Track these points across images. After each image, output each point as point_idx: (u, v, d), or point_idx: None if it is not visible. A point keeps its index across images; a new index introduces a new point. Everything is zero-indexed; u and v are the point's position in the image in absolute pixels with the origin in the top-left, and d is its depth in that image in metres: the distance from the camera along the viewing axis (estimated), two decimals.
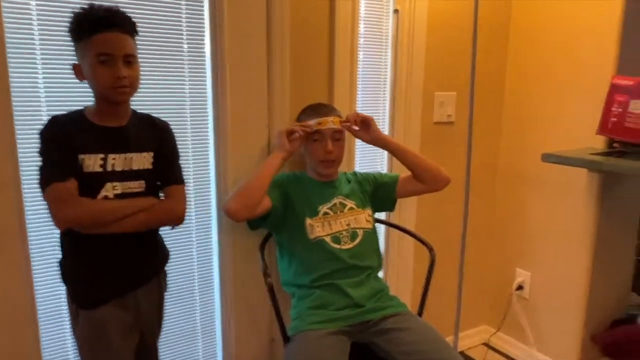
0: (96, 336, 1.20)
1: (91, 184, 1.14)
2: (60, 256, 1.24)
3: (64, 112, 1.18)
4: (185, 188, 1.33)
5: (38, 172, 1.13)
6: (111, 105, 1.17)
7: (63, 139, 1.12)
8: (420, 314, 1.59)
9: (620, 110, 1.68)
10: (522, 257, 2.24)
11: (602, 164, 1.65)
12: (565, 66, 1.97)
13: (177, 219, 1.28)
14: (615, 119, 1.70)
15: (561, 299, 2.08)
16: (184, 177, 1.34)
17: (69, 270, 1.22)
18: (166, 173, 1.28)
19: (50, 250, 1.36)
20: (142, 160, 1.23)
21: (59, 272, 1.24)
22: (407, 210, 1.99)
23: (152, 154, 1.24)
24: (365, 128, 1.56)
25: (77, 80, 1.16)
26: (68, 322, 1.41)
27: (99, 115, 1.18)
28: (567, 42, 1.95)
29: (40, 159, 1.13)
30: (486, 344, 2.39)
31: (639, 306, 2.26)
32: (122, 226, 1.17)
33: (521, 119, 2.17)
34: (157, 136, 1.27)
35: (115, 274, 1.22)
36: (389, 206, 1.69)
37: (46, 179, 1.11)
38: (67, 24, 1.13)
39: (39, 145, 1.13)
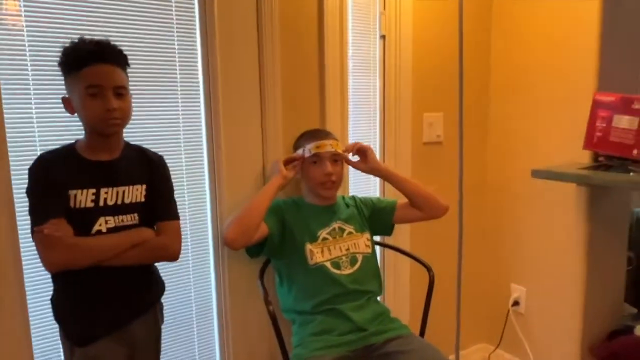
0: None
1: (83, 220, 1.13)
2: (52, 294, 1.21)
3: (54, 148, 1.17)
4: (181, 221, 1.30)
5: (28, 213, 1.11)
6: (102, 137, 1.16)
7: (49, 177, 1.11)
8: (422, 334, 1.59)
9: (604, 125, 1.72)
10: (517, 273, 2.25)
11: (591, 178, 1.69)
12: (547, 83, 2.03)
13: (171, 257, 1.26)
14: (600, 134, 1.75)
15: (557, 312, 2.10)
16: (179, 208, 1.32)
17: (61, 307, 1.19)
18: (160, 208, 1.26)
19: (46, 288, 1.33)
20: (135, 193, 1.21)
21: (51, 310, 1.20)
22: (401, 231, 2.00)
23: (144, 186, 1.23)
24: (363, 158, 1.59)
25: (69, 114, 1.16)
26: None
27: (90, 148, 1.17)
28: (548, 60, 2.01)
29: (27, 196, 1.12)
30: None
31: (634, 316, 2.29)
32: (116, 262, 1.15)
33: (506, 136, 2.22)
34: (150, 169, 1.26)
35: (109, 308, 1.19)
36: (386, 231, 1.70)
37: (32, 221, 1.09)
38: (58, 58, 1.13)
39: (28, 184, 1.12)
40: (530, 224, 2.17)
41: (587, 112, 1.79)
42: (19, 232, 1.25)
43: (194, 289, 1.60)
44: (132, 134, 1.39)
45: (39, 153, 1.17)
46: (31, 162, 1.13)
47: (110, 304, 1.19)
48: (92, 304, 1.17)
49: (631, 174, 1.64)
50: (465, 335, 2.31)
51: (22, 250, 1.26)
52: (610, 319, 2.17)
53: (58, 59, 1.13)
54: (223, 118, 1.54)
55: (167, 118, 1.48)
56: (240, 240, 1.41)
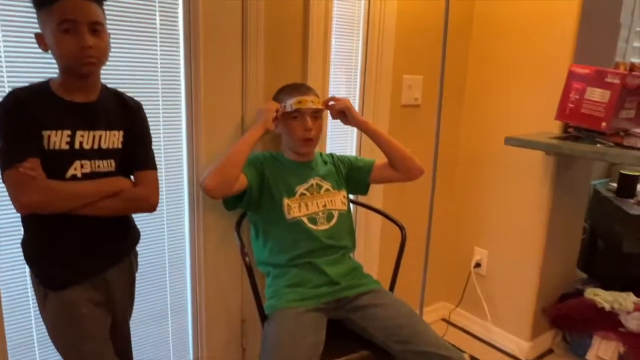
0: (68, 318, 1.15)
1: (57, 163, 1.08)
2: (22, 238, 1.16)
3: (27, 85, 1.09)
4: (158, 172, 1.27)
5: None
6: (77, 78, 1.10)
7: (23, 114, 1.04)
8: (391, 289, 1.64)
9: (578, 97, 1.78)
10: (480, 237, 2.35)
11: (561, 147, 1.75)
12: (525, 54, 2.06)
13: (149, 208, 1.22)
14: (572, 105, 1.80)
15: (516, 275, 2.21)
16: (155, 154, 1.28)
17: (35, 252, 1.15)
18: (137, 156, 1.22)
19: (15, 231, 1.29)
20: (112, 139, 1.17)
21: (22, 253, 1.16)
22: (375, 191, 2.03)
23: (122, 132, 1.19)
24: (344, 119, 1.59)
25: (41, 51, 1.09)
26: (32, 306, 1.36)
27: (65, 88, 1.10)
28: (528, 31, 2.04)
29: None
30: (445, 320, 2.50)
31: (584, 281, 2.44)
32: (90, 211, 1.11)
33: (482, 104, 2.26)
34: (128, 115, 1.21)
35: (84, 255, 1.16)
36: (362, 190, 1.72)
37: (5, 161, 1.03)
38: None
39: None
40: (497, 190, 2.24)
41: (562, 85, 1.84)
42: None
43: (167, 239, 1.59)
44: (108, 76, 1.33)
45: (7, 91, 1.09)
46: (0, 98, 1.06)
47: (86, 251, 1.17)
48: (67, 250, 1.14)
49: (598, 145, 1.71)
50: (428, 294, 2.40)
51: None
52: (564, 283, 2.31)
53: None
54: (203, 65, 1.49)
55: (145, 61, 1.42)
56: (219, 189, 1.39)
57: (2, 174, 1.04)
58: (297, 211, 1.50)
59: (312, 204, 1.53)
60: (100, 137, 1.14)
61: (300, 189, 1.54)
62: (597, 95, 1.73)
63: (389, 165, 1.62)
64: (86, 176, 1.12)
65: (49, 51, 1.08)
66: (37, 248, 1.15)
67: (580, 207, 2.30)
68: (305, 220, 1.50)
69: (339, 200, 1.59)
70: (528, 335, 2.20)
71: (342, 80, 1.91)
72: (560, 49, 1.93)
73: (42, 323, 1.18)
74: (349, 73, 1.93)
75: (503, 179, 2.21)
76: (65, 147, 1.09)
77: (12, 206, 1.04)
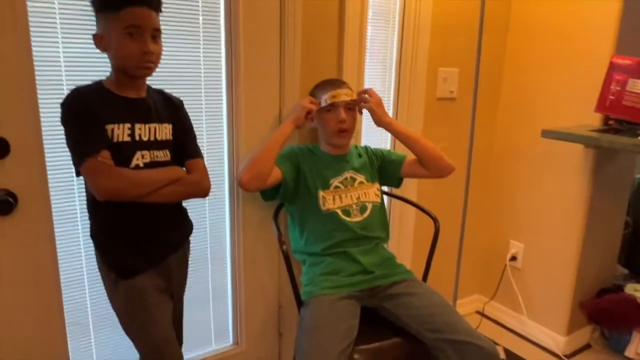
0: (139, 304, 1.24)
1: (122, 154, 1.16)
2: (91, 229, 1.25)
3: (84, 84, 1.18)
4: None
5: (69, 145, 1.14)
6: (130, 78, 1.19)
7: (90, 110, 1.12)
8: (424, 280, 1.67)
9: (619, 88, 1.74)
10: (516, 230, 2.33)
11: (600, 140, 1.73)
12: (564, 45, 2.03)
13: (204, 192, 1.33)
14: (613, 97, 1.77)
15: (552, 270, 2.19)
16: (200, 147, 1.37)
17: (108, 241, 1.23)
18: (187, 147, 1.32)
19: (72, 218, 1.40)
20: (164, 131, 1.26)
21: (93, 245, 1.25)
22: (409, 183, 2.06)
23: (170, 126, 1.28)
24: (371, 112, 1.62)
25: (97, 51, 1.17)
26: (87, 287, 1.47)
27: (118, 86, 1.19)
28: (568, 22, 2.00)
29: (66, 130, 1.13)
30: (480, 312, 2.50)
31: (624, 277, 2.39)
32: (155, 197, 1.20)
33: (519, 96, 2.24)
34: (174, 110, 1.30)
35: (152, 243, 1.26)
36: (395, 183, 1.75)
37: (81, 153, 1.11)
38: None
39: (63, 116, 1.13)
40: (534, 183, 2.22)
41: (602, 76, 1.81)
42: (48, 168, 1.30)
43: (209, 228, 1.67)
44: (155, 73, 1.41)
45: (66, 92, 1.18)
46: (59, 96, 1.15)
47: (153, 239, 1.26)
48: (136, 239, 1.23)
49: (639, 138, 1.68)
50: (462, 286, 2.42)
51: (49, 180, 1.31)
52: (602, 278, 2.27)
53: None
54: (243, 62, 1.56)
55: (189, 60, 1.50)
56: (253, 183, 1.47)
57: (79, 165, 1.12)
58: (332, 203, 1.55)
59: (346, 197, 1.58)
60: (155, 129, 1.23)
61: (335, 181, 1.58)
62: (639, 87, 1.69)
63: (419, 163, 1.64)
64: (147, 165, 1.21)
65: (106, 51, 1.16)
66: (109, 237, 1.23)
67: (621, 201, 2.24)
68: (339, 212, 1.55)
69: (372, 192, 1.63)
70: (564, 330, 2.18)
71: (377, 73, 1.94)
72: (601, 39, 1.89)
73: (97, 304, 1.27)
74: (384, 66, 1.95)
75: (540, 172, 2.19)
76: (127, 139, 1.18)
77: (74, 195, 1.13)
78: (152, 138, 1.22)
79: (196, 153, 1.33)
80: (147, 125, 1.21)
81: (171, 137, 1.28)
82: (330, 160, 1.61)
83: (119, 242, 1.23)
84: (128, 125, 1.18)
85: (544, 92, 2.13)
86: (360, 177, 1.63)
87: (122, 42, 1.12)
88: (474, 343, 1.30)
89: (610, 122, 1.91)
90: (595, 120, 1.94)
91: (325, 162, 1.61)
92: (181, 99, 1.36)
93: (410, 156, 1.68)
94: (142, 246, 1.24)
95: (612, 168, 2.08)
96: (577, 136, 1.80)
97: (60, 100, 1.13)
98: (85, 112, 1.12)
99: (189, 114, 1.40)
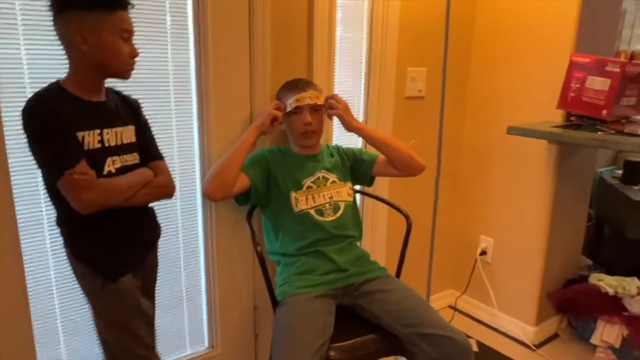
0: (128, 303, 1.23)
1: (94, 161, 1.14)
2: (68, 235, 1.22)
3: (44, 88, 1.12)
4: (170, 162, 1.37)
5: (43, 159, 1.10)
6: (99, 79, 1.17)
7: (60, 118, 1.08)
8: (398, 277, 1.70)
9: (578, 85, 1.81)
10: (486, 225, 2.39)
11: (562, 136, 1.79)
12: (527, 44, 2.09)
13: (170, 194, 1.33)
14: (573, 94, 1.84)
15: (521, 263, 2.26)
16: (169, 149, 1.38)
17: (87, 247, 1.20)
18: (149, 149, 1.31)
19: (39, 234, 1.37)
20: (129, 134, 1.24)
21: (70, 251, 1.21)
22: (380, 181, 2.08)
23: (134, 127, 1.26)
24: (340, 120, 1.63)
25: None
26: (55, 294, 1.44)
27: (83, 88, 1.15)
28: (530, 21, 2.07)
29: (35, 142, 1.08)
30: (452, 307, 2.55)
31: (589, 267, 2.48)
32: (133, 202, 1.20)
33: (485, 94, 2.30)
34: (133, 111, 1.29)
35: (132, 245, 1.27)
36: (366, 182, 1.77)
37: (58, 167, 1.08)
38: None
39: (29, 126, 1.07)
40: (501, 179, 2.28)
41: (563, 75, 1.88)
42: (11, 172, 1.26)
43: (181, 230, 1.66)
44: None
45: (28, 95, 1.12)
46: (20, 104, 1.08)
47: (133, 241, 1.27)
48: (116, 241, 1.22)
49: (599, 133, 1.75)
50: (435, 281, 2.46)
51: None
52: (568, 269, 2.35)
53: None
54: (212, 63, 1.55)
55: (156, 61, 1.48)
56: (218, 193, 1.48)
57: (57, 179, 1.09)
58: (305, 204, 1.56)
59: (318, 197, 1.59)
60: (122, 132, 1.21)
61: (307, 182, 1.59)
62: (597, 83, 1.76)
63: (389, 163, 1.66)
64: (118, 171, 1.19)
65: (86, 50, 1.10)
66: (88, 244, 1.20)
67: (584, 194, 2.33)
68: (312, 212, 1.56)
69: (345, 192, 1.64)
70: (533, 321, 2.25)
71: (348, 74, 1.96)
72: (562, 38, 1.96)
73: (66, 310, 1.25)
74: (354, 66, 1.97)
75: (507, 168, 2.25)
76: (98, 145, 1.15)
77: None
78: (119, 142, 1.20)
79: (158, 155, 1.33)
80: (113, 130, 1.19)
81: (135, 139, 1.26)
82: (302, 161, 1.62)
83: (98, 246, 1.20)
84: (97, 131, 1.15)
85: (509, 90, 2.19)
86: (332, 177, 1.64)
87: (116, 43, 1.12)
88: (447, 336, 1.33)
89: (572, 118, 1.99)
90: (558, 116, 2.01)
91: (296, 162, 1.61)
92: (149, 99, 1.34)
93: (382, 156, 1.70)
94: (122, 248, 1.24)
95: (574, 163, 2.16)
96: (541, 132, 1.86)
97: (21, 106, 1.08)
98: (55, 122, 1.08)
99: (159, 115, 1.38)
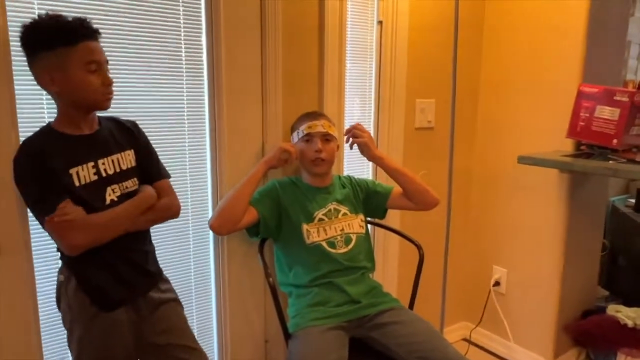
0: (115, 336, 1.20)
1: (94, 194, 1.14)
2: (66, 259, 1.20)
3: (33, 133, 1.13)
4: (182, 193, 1.38)
5: (28, 205, 1.12)
6: (83, 113, 1.16)
7: (44, 161, 1.08)
8: (411, 308, 1.68)
9: (587, 115, 1.82)
10: (499, 255, 2.36)
11: (573, 165, 1.79)
12: (535, 75, 2.12)
13: (175, 214, 1.33)
14: (583, 123, 1.84)
15: (535, 293, 2.21)
16: (181, 180, 1.38)
17: (91, 272, 1.18)
18: (153, 169, 1.32)
19: (52, 259, 1.38)
20: (128, 159, 1.25)
21: (68, 274, 1.19)
22: (392, 211, 2.08)
23: (132, 151, 1.27)
24: (361, 150, 1.65)
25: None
26: None
27: (70, 125, 1.15)
28: (537, 53, 2.10)
29: (20, 189, 1.11)
30: (466, 339, 2.50)
31: (606, 298, 2.43)
32: (135, 228, 1.20)
33: (494, 124, 2.31)
34: (131, 134, 1.29)
35: (137, 275, 1.25)
36: (379, 214, 1.77)
37: (40, 212, 1.09)
38: (27, 33, 1.08)
39: (15, 174, 1.10)
40: (513, 209, 2.27)
41: (572, 103, 1.89)
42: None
43: (193, 262, 1.66)
44: (138, 108, 1.44)
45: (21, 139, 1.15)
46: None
47: (137, 272, 1.25)
48: (115, 271, 1.20)
49: (610, 162, 1.74)
50: (448, 314, 2.41)
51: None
52: (584, 300, 2.30)
53: (29, 34, 1.08)
54: (226, 96, 1.58)
55: (172, 95, 1.52)
56: (224, 228, 1.50)
57: (42, 224, 1.10)
58: (317, 236, 1.56)
59: (330, 229, 1.59)
60: (118, 159, 1.22)
61: (319, 214, 1.60)
62: (606, 113, 1.77)
63: (405, 196, 1.67)
64: (120, 199, 1.19)
65: (58, 91, 1.11)
66: (88, 273, 1.18)
67: (598, 223, 2.30)
68: (324, 244, 1.56)
69: (356, 223, 1.64)
70: (551, 354, 2.19)
71: (357, 106, 1.99)
72: (570, 69, 1.98)
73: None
74: (364, 98, 2.01)
75: (519, 197, 2.24)
76: (94, 177, 1.16)
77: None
78: (117, 169, 1.21)
79: (160, 174, 1.32)
80: (109, 158, 1.20)
81: (135, 164, 1.27)
82: (313, 192, 1.63)
83: (98, 275, 1.18)
84: (92, 163, 1.16)
85: (519, 119, 2.20)
86: (343, 209, 1.65)
87: (84, 78, 1.10)
88: None
89: (582, 147, 1.99)
90: (569, 145, 2.01)
91: (308, 194, 1.62)
92: (164, 129, 1.36)
93: (397, 188, 1.70)
94: (129, 277, 1.22)
95: (586, 192, 2.14)
96: (551, 161, 1.86)
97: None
98: (40, 166, 1.08)
99: (172, 141, 1.37)
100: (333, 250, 1.56)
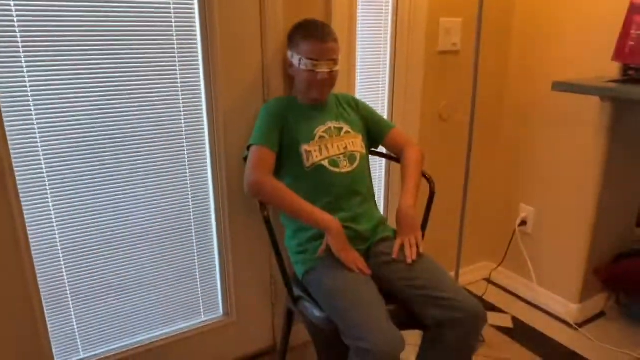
0: None
1: None
2: None
3: None
4: (178, 120, 1.30)
5: None
6: None
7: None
8: None
9: (639, 33, 1.56)
10: (527, 193, 2.19)
11: (617, 91, 1.56)
12: None
13: None
14: (633, 43, 1.59)
15: (565, 234, 2.05)
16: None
17: None
18: None
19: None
20: None
21: None
22: None
23: None
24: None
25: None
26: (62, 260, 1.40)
27: None
28: None
29: None
30: (487, 279, 2.39)
31: None
32: None
33: (530, 47, 2.06)
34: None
35: None
36: (373, 145, 1.64)
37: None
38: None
39: None
40: (547, 142, 2.06)
41: (621, 20, 1.62)
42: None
43: (191, 199, 1.58)
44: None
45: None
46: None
47: None
48: None
49: None
50: (469, 253, 2.31)
51: None
52: (620, 242, 2.12)
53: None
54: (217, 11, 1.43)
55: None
56: (252, 195, 1.41)
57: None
58: (318, 155, 1.43)
59: (332, 147, 1.45)
60: None
61: (319, 131, 1.46)
62: None
63: (395, 153, 1.60)
64: None
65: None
66: None
67: None
68: (325, 163, 1.43)
69: (358, 143, 1.51)
70: (577, 298, 2.06)
71: (371, 21, 1.78)
72: None
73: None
74: (379, 14, 1.79)
75: (553, 129, 2.03)
76: None
77: None
78: None
79: None
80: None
81: None
82: (311, 111, 1.49)
83: None
84: None
85: (559, 42, 1.94)
86: (345, 127, 1.51)
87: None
88: (458, 300, 1.23)
89: (630, 72, 1.73)
90: (613, 70, 1.76)
91: (305, 113, 1.48)
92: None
93: (396, 129, 1.59)
94: None
95: (631, 123, 1.91)
96: (591, 88, 1.63)
97: None
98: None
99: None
100: (336, 170, 1.44)
